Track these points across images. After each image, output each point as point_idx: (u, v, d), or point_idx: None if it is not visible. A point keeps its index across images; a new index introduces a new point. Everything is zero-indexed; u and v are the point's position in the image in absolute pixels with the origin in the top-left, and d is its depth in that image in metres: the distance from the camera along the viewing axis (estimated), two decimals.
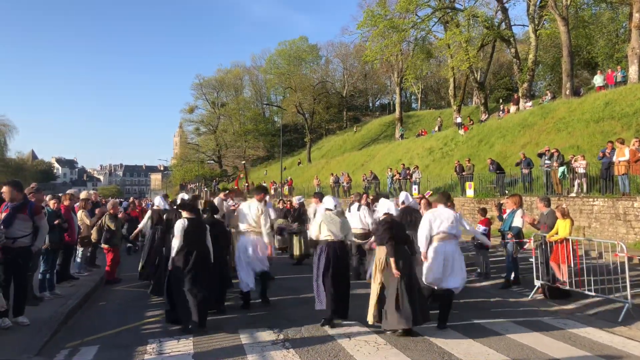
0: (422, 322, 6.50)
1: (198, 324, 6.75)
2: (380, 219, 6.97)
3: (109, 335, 6.80)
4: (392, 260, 6.44)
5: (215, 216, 8.58)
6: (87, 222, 11.17)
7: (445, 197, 7.40)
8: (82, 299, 8.79)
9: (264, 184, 34.39)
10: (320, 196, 9.42)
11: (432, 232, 7.01)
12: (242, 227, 8.44)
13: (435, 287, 7.09)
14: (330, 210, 7.42)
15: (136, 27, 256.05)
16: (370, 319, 6.76)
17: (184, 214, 7.29)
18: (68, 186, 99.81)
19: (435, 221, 7.03)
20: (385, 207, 7.02)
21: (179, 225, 7.05)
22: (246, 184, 41.76)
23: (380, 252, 6.72)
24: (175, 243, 7.00)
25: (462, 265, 7.17)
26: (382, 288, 6.67)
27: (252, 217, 8.40)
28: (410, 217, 8.23)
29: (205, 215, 8.17)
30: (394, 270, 6.40)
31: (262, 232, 8.38)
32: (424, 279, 6.99)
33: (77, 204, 10.86)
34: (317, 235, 7.37)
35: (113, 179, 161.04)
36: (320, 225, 7.34)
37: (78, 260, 11.37)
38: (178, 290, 6.90)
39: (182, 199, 7.88)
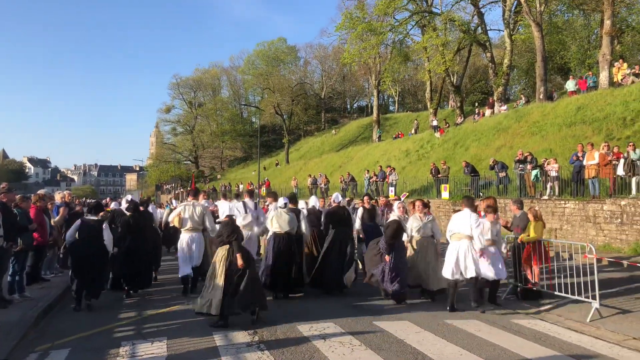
0: (263, 308, 7.38)
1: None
2: (223, 221, 7.87)
3: (81, 338, 6.68)
4: (239, 255, 7.22)
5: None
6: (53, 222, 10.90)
7: (470, 200, 8.49)
8: (52, 301, 8.62)
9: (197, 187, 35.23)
10: (274, 195, 11.03)
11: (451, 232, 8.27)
12: (187, 225, 9.52)
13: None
14: (282, 208, 9.21)
15: (112, 24, 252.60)
16: (215, 310, 7.09)
17: (88, 216, 8.74)
18: (40, 186, 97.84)
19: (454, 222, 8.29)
20: (227, 209, 7.93)
21: (73, 227, 8.48)
22: (188, 189, 41.54)
23: (223, 250, 7.42)
24: (68, 240, 8.48)
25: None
26: (227, 280, 7.20)
27: (196, 216, 9.52)
28: (340, 214, 9.85)
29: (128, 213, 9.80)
30: (240, 263, 7.17)
31: (199, 229, 9.64)
32: (449, 276, 8.06)
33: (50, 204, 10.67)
34: (270, 228, 9.19)
35: (87, 179, 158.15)
36: (272, 220, 9.18)
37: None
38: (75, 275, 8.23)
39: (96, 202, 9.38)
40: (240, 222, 10.76)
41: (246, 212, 10.76)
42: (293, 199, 10.12)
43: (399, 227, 8.65)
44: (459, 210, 8.67)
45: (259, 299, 7.33)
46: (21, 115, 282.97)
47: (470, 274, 7.81)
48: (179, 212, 9.58)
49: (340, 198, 10.27)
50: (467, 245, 7.91)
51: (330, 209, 10.38)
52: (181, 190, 58.72)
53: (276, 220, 9.13)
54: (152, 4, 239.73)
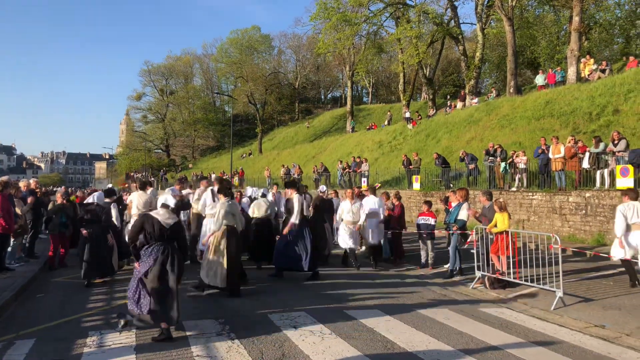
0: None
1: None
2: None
3: (47, 328, 6.56)
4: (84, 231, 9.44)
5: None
6: (18, 210, 10.66)
7: (373, 189, 11.88)
8: (18, 290, 8.42)
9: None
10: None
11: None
12: (134, 211, 10.97)
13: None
14: (261, 197, 11.65)
15: (82, 7, 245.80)
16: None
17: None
18: (5, 174, 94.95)
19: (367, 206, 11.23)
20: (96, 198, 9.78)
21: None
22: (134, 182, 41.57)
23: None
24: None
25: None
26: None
27: (142, 204, 10.91)
28: (318, 203, 11.90)
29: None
30: (84, 232, 9.36)
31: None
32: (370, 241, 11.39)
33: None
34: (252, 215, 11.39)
35: (55, 167, 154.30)
36: (253, 208, 11.43)
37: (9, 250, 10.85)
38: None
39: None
40: (208, 211, 10.58)
41: (214, 200, 10.58)
42: (292, 184, 10.84)
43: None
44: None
45: (91, 275, 9.29)
46: None
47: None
48: (130, 200, 11.44)
49: (324, 189, 12.31)
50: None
51: (314, 198, 12.66)
52: (152, 179, 57.96)
53: (255, 208, 11.34)
54: None
